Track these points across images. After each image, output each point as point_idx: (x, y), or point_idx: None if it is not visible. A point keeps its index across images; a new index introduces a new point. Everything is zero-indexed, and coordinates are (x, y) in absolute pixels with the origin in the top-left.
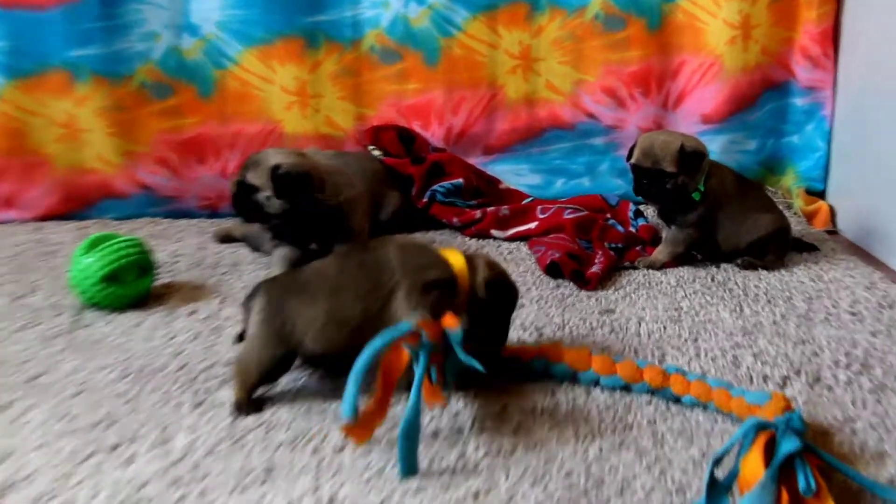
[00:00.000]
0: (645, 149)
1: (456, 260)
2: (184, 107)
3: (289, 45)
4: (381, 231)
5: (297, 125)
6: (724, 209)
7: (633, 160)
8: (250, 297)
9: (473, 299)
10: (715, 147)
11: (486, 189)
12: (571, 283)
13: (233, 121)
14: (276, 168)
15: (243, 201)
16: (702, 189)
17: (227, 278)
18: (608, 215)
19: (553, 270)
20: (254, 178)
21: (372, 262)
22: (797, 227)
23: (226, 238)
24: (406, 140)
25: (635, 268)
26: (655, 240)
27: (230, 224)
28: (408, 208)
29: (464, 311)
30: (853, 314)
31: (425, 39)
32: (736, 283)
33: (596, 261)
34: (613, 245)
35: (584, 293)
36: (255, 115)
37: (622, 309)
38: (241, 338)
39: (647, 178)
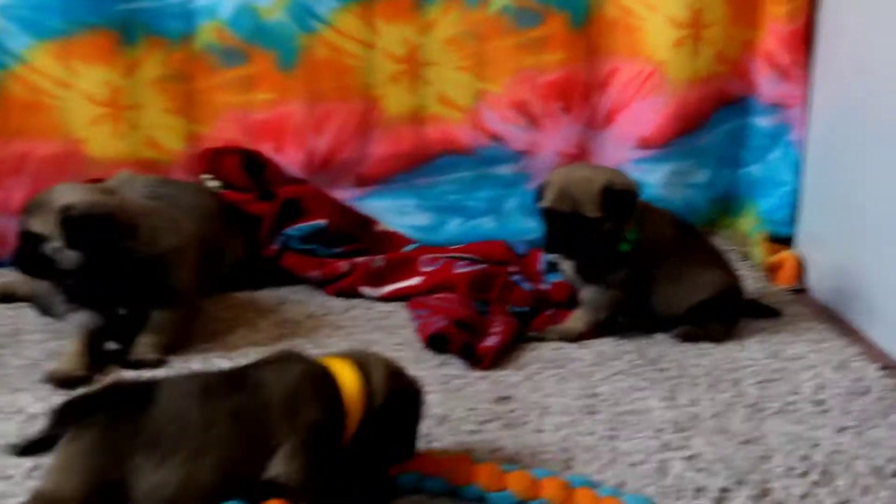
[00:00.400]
0: (560, 188)
1: (347, 377)
2: None
3: (96, 39)
4: (217, 289)
5: (105, 146)
6: (661, 264)
7: (544, 203)
8: (70, 417)
9: (370, 417)
10: (655, 179)
11: (356, 233)
12: (460, 361)
13: (17, 139)
14: (65, 210)
15: (27, 253)
16: (632, 239)
17: (2, 352)
18: (513, 268)
19: (438, 343)
20: (39, 224)
21: (251, 410)
22: (754, 284)
23: (7, 296)
24: (253, 168)
25: (543, 339)
26: (572, 302)
27: (12, 279)
28: (253, 258)
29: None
30: (817, 404)
31: (280, 36)
32: (671, 361)
33: (492, 330)
34: (518, 309)
35: (475, 374)
36: (48, 131)
37: (523, 396)
38: (28, 450)
39: (563, 227)
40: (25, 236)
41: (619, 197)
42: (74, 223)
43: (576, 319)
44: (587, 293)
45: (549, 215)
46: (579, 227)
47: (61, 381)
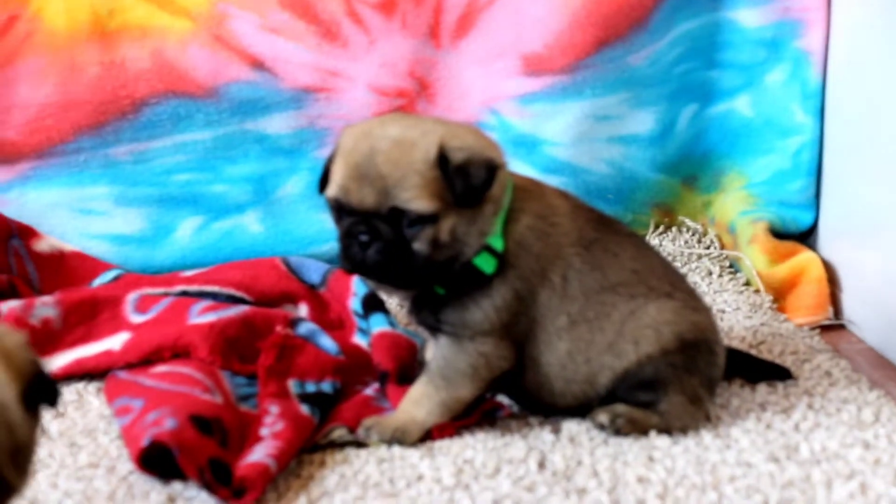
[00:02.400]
0: (357, 163)
1: None
2: None
3: None
4: None
5: None
6: (556, 294)
7: (332, 190)
8: None
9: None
10: (555, 131)
11: (2, 255)
12: (204, 493)
13: None
14: None
15: None
16: (497, 248)
17: None
18: (300, 309)
19: (159, 462)
20: None
21: None
22: (747, 320)
23: None
24: None
25: (361, 443)
26: (408, 368)
27: None
28: None
29: None
30: None
31: None
32: (595, 475)
33: (264, 432)
34: (314, 387)
35: None
36: None
37: None
38: None
39: (372, 232)
40: None
41: (465, 172)
42: None
43: (416, 403)
44: (437, 351)
45: (343, 211)
46: (397, 231)
47: None
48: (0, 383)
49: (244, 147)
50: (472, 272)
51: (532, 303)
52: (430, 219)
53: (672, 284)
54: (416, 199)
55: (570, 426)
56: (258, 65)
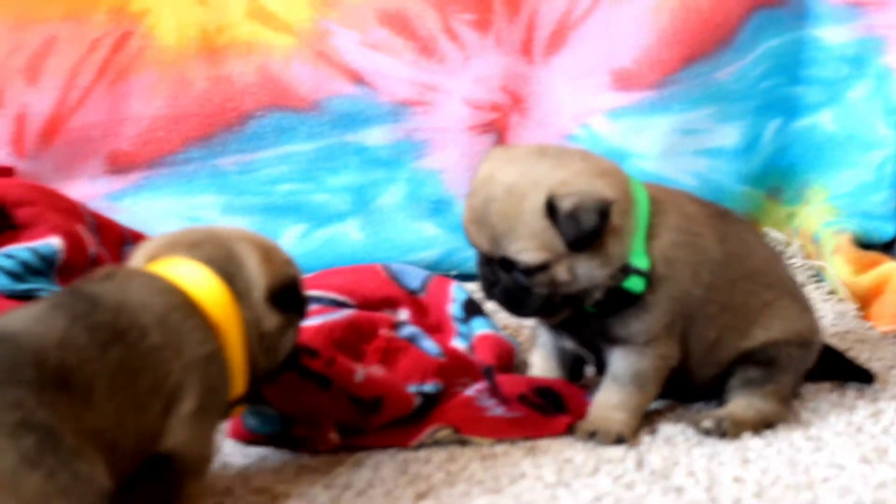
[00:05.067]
0: (476, 210)
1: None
2: None
3: None
4: None
5: None
6: (709, 281)
7: (464, 229)
8: None
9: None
10: (644, 144)
11: (115, 259)
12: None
13: None
14: None
15: None
16: (643, 265)
17: None
18: (403, 314)
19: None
20: None
21: (136, 337)
22: (833, 325)
23: None
24: None
25: (462, 443)
26: (508, 369)
27: None
28: None
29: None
30: None
31: None
32: (691, 474)
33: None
34: (416, 389)
35: None
36: None
37: None
38: None
39: (493, 273)
40: None
41: (575, 218)
42: None
43: (614, 408)
44: (620, 361)
45: (471, 245)
46: (515, 278)
47: None
48: (254, 273)
49: (344, 158)
50: (623, 294)
51: (688, 302)
52: (540, 268)
53: (790, 278)
54: (525, 251)
55: (666, 428)
56: (358, 79)
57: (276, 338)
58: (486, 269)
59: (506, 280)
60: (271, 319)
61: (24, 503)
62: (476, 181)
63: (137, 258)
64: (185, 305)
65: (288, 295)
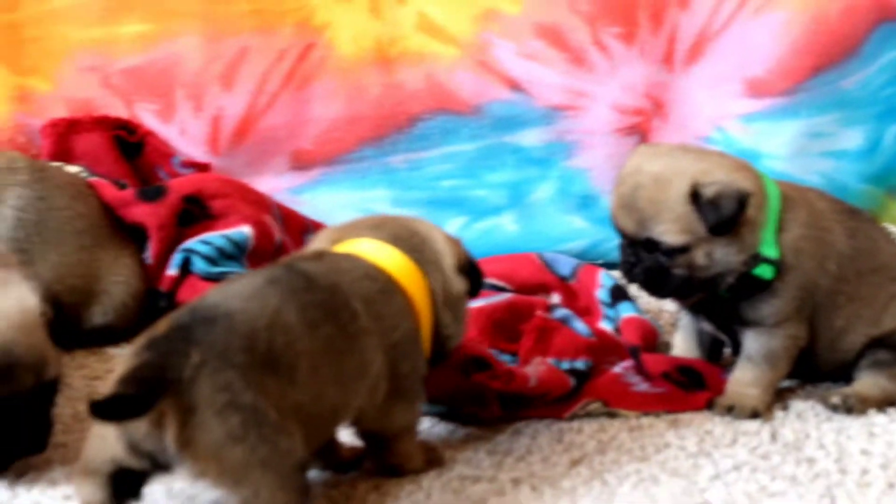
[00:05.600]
0: (624, 196)
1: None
2: None
3: None
4: (81, 344)
5: None
6: (836, 273)
7: (611, 215)
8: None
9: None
10: (775, 146)
11: (297, 245)
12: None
13: None
14: None
15: None
16: (773, 254)
17: None
18: (555, 298)
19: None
20: None
21: (347, 319)
22: None
23: None
24: (126, 148)
25: (611, 415)
26: (652, 348)
27: None
28: (141, 291)
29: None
30: None
31: None
32: (821, 445)
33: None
34: (568, 366)
35: (504, 476)
36: None
37: None
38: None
39: (636, 254)
40: None
41: (716, 205)
42: None
43: (748, 385)
44: (753, 342)
45: (617, 231)
46: (657, 258)
47: None
48: (441, 245)
49: (502, 157)
50: (753, 280)
51: (815, 290)
52: (682, 249)
53: None
54: (669, 233)
55: (797, 404)
56: (515, 86)
57: (460, 304)
58: (628, 252)
59: (648, 260)
60: (459, 284)
61: (229, 473)
62: (624, 172)
63: (321, 241)
64: (388, 288)
65: (473, 265)
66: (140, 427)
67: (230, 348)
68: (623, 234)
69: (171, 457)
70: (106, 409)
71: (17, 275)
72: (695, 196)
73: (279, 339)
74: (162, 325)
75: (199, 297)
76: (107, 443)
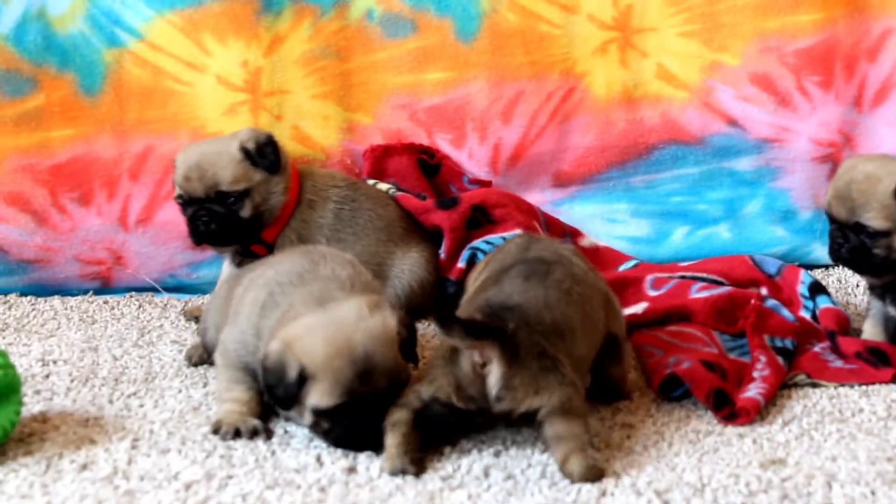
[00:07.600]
0: (839, 189)
1: None
2: (52, 110)
3: (231, 8)
4: None
5: None
6: None
7: (825, 202)
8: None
9: None
10: None
11: None
12: (708, 413)
13: (135, 133)
14: None
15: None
16: None
17: (138, 402)
18: (764, 291)
19: (670, 387)
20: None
21: (582, 290)
22: None
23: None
24: (426, 168)
25: (814, 385)
26: (845, 333)
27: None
28: (434, 280)
29: None
30: None
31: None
32: None
33: (755, 375)
34: (781, 344)
35: (730, 430)
36: (173, 123)
37: (800, 459)
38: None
39: (844, 237)
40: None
41: None
42: None
43: None
44: None
45: (830, 221)
46: (862, 239)
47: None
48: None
49: (720, 179)
50: None
51: None
52: (884, 234)
53: None
54: (875, 219)
55: None
56: (732, 122)
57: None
58: (837, 235)
59: (854, 241)
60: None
61: (543, 391)
62: (840, 171)
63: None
64: (580, 254)
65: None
66: (468, 375)
67: (531, 322)
68: (834, 220)
69: (491, 395)
70: (455, 326)
71: (385, 301)
72: None
73: (556, 313)
74: (473, 316)
75: (482, 299)
76: (435, 384)
